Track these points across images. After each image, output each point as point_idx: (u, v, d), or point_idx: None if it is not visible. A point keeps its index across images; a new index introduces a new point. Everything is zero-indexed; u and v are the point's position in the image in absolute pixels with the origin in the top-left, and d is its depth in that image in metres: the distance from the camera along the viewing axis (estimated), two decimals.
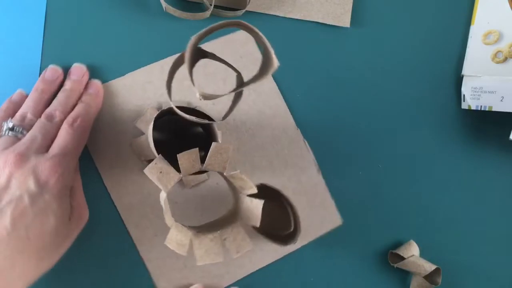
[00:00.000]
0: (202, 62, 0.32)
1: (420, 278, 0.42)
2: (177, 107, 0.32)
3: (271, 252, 0.42)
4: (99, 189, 0.40)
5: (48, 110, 0.37)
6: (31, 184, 0.33)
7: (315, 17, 0.44)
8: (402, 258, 0.42)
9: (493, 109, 0.42)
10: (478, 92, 0.43)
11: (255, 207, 0.34)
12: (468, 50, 0.45)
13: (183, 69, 0.29)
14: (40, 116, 0.37)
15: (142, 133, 0.40)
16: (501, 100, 0.41)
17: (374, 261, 0.44)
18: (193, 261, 0.36)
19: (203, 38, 0.27)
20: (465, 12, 0.46)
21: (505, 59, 0.42)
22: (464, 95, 0.44)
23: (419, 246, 0.43)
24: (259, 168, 0.42)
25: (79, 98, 0.39)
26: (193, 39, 0.27)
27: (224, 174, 0.34)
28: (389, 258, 0.43)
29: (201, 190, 0.41)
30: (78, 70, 0.40)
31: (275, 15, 0.43)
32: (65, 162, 0.34)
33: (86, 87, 0.40)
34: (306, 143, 0.43)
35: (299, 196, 0.42)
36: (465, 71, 0.45)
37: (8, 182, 0.33)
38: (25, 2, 0.41)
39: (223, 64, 0.32)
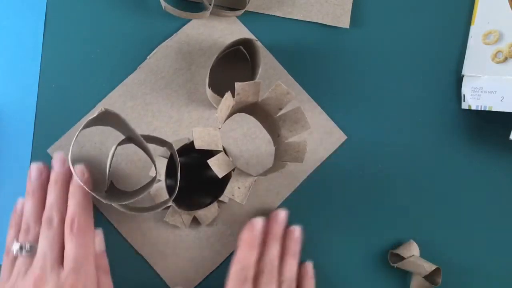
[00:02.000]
0: None
1: (420, 278, 0.42)
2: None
3: None
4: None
5: (45, 214, 0.37)
6: None
7: (315, 17, 0.44)
8: (402, 258, 0.42)
9: (493, 109, 0.41)
10: (478, 92, 0.43)
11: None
12: (468, 50, 0.45)
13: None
14: (40, 221, 0.37)
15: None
16: (501, 100, 0.41)
17: (374, 261, 0.43)
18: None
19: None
20: (465, 12, 0.46)
21: (505, 59, 0.42)
22: (464, 95, 0.44)
23: (419, 246, 0.43)
24: None
25: (68, 186, 0.39)
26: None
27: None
28: (389, 258, 0.43)
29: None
30: (59, 159, 0.39)
31: (274, 15, 0.44)
32: (82, 274, 0.35)
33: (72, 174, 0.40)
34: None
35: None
36: (465, 71, 0.45)
37: None
38: (25, 2, 0.41)
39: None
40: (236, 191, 0.33)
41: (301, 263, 0.42)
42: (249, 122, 0.42)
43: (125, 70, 0.42)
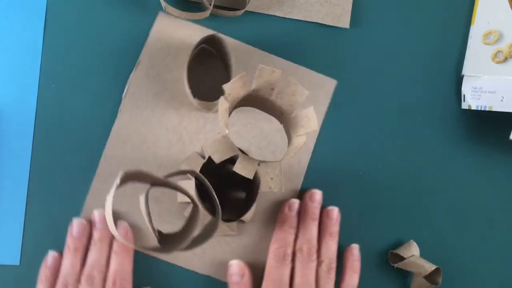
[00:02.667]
0: None
1: (420, 278, 0.42)
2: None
3: None
4: None
5: (85, 272, 0.38)
6: None
7: (315, 17, 0.44)
8: (402, 258, 0.42)
9: (493, 109, 0.41)
10: (478, 92, 0.43)
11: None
12: (468, 50, 0.45)
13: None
14: (79, 278, 0.37)
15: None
16: (501, 100, 0.41)
17: (374, 261, 0.43)
18: None
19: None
20: (465, 12, 0.46)
21: (505, 59, 0.42)
22: (464, 95, 0.44)
23: (419, 246, 0.43)
24: None
25: (111, 245, 0.39)
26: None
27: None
28: (389, 258, 0.43)
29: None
30: (102, 216, 0.40)
31: (274, 15, 0.44)
32: None
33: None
34: None
35: None
36: (465, 71, 0.45)
37: None
38: (25, 2, 0.41)
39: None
40: (271, 183, 0.33)
41: (347, 246, 0.42)
42: (244, 111, 0.41)
43: (125, 68, 0.42)
